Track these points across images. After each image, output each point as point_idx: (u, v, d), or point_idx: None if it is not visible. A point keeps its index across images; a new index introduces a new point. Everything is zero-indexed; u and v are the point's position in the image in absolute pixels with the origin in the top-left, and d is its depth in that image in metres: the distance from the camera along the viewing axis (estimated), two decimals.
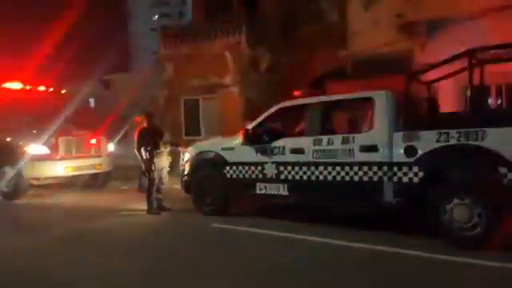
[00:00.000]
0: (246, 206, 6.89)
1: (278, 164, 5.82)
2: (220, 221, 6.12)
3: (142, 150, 6.85)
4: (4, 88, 9.72)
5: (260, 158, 6.03)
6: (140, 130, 7.08)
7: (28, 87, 10.01)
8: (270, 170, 5.90)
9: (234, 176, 6.29)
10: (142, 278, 4.03)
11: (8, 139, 8.98)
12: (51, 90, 10.50)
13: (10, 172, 8.76)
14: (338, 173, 5.26)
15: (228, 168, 6.34)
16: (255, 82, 14.20)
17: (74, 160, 9.17)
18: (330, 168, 5.33)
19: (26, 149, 8.65)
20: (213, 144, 6.85)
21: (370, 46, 11.69)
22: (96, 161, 9.62)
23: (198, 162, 6.77)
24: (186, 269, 4.24)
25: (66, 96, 10.78)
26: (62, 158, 8.95)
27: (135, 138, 7.01)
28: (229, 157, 6.35)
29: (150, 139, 6.90)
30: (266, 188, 5.98)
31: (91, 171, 9.56)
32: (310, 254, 4.58)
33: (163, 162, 7.15)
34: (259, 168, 6.02)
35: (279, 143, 5.86)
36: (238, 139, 6.34)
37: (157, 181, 6.95)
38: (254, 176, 6.09)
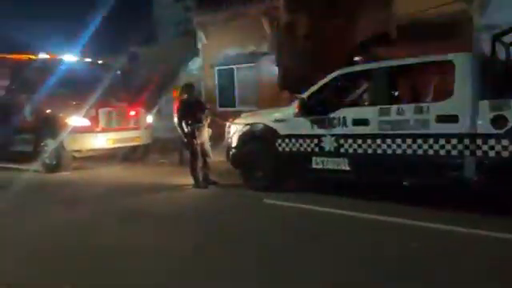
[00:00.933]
0: (294, 182, 6.48)
1: (337, 137, 5.36)
2: (271, 196, 5.78)
3: (183, 123, 6.52)
4: (40, 59, 9.55)
5: (317, 130, 5.58)
6: (180, 102, 6.72)
7: (64, 57, 9.78)
8: (329, 143, 5.45)
9: (287, 150, 5.88)
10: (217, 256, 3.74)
11: (48, 111, 8.84)
12: (88, 60, 10.26)
13: (51, 145, 8.68)
14: (409, 146, 4.75)
15: (280, 141, 5.93)
16: (293, 50, 13.53)
17: (115, 132, 8.98)
18: (399, 141, 4.83)
19: (66, 121, 8.50)
20: (263, 116, 6.43)
21: (418, 9, 10.79)
22: (136, 133, 9.41)
23: (247, 135, 6.38)
24: (257, 248, 3.93)
25: (103, 66, 10.52)
26: (102, 130, 8.78)
27: (175, 110, 6.67)
28: (281, 129, 5.93)
29: (192, 112, 6.54)
30: (323, 162, 5.55)
31: (131, 144, 9.37)
32: (426, 242, 3.84)
33: (205, 134, 6.80)
34: (316, 141, 5.58)
35: (339, 114, 5.37)
36: (291, 110, 5.88)
37: (200, 154, 6.64)
38: (309, 149, 5.66)
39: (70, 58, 9.91)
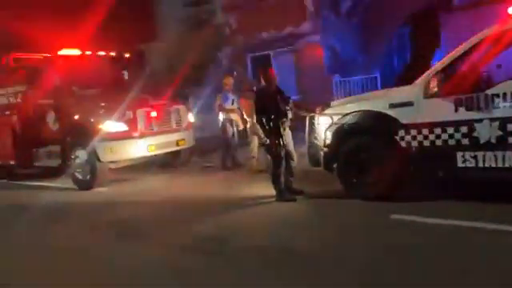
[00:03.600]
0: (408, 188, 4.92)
1: (503, 121, 3.80)
2: (392, 208, 4.27)
3: (264, 119, 4.98)
4: (61, 55, 8.07)
5: (464, 114, 4.02)
6: (257, 92, 5.19)
7: (88, 53, 8.29)
8: (487, 132, 3.90)
9: (415, 144, 4.34)
10: None
11: (76, 117, 7.38)
12: (113, 54, 8.74)
13: (83, 156, 7.24)
14: None
15: (403, 133, 4.39)
16: (336, 28, 11.92)
17: (157, 136, 7.48)
18: None
19: (100, 127, 7.02)
20: (370, 101, 4.88)
21: None
22: (179, 135, 7.90)
23: (348, 129, 4.84)
24: None
25: (130, 60, 9.01)
26: (142, 135, 7.28)
27: (243, 104, 5.15)
28: (403, 117, 4.38)
29: (274, 104, 5.00)
30: (476, 159, 4.00)
31: (175, 148, 7.87)
32: None
33: (289, 132, 5.26)
34: (464, 129, 4.03)
35: (504, 89, 3.80)
36: (417, 90, 4.33)
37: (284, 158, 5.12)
38: (452, 142, 4.12)
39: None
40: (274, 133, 4.95)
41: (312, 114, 5.35)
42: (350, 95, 11.25)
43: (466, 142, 4.03)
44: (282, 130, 5.00)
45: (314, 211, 4.82)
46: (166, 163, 8.51)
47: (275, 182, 5.13)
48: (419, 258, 3.22)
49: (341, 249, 3.60)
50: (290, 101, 5.14)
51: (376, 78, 10.56)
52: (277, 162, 5.04)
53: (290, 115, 5.09)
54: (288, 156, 5.17)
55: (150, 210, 5.59)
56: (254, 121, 5.04)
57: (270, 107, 4.95)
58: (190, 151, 8.41)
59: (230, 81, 7.79)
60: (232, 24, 12.97)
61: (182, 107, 8.16)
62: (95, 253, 4.10)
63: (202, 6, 13.83)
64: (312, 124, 5.50)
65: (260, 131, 5.01)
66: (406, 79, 10.47)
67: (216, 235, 4.23)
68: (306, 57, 11.63)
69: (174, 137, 7.82)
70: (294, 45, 11.81)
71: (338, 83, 11.12)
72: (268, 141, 4.95)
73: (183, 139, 7.97)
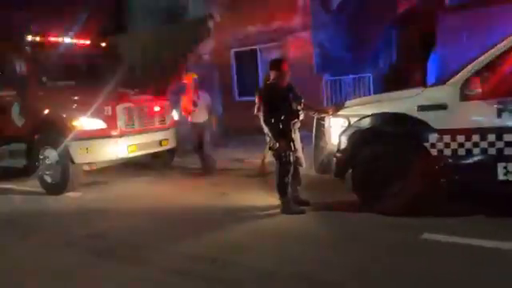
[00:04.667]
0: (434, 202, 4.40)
1: None
2: (421, 226, 3.76)
3: (273, 119, 4.33)
4: (28, 42, 7.10)
5: (509, 119, 3.54)
6: (265, 88, 4.53)
7: (59, 39, 7.35)
8: None
9: (448, 153, 3.82)
10: None
11: (46, 111, 6.47)
12: (87, 42, 7.82)
13: (53, 156, 6.36)
14: None
15: (434, 139, 3.87)
16: (325, 25, 11.41)
17: (138, 135, 6.69)
18: None
19: (74, 123, 6.17)
20: (393, 102, 4.32)
21: None
22: (162, 135, 7.14)
23: (366, 133, 4.28)
24: None
25: (107, 50, 8.13)
26: (122, 134, 6.47)
27: (257, 100, 4.51)
28: (435, 121, 3.85)
29: (286, 102, 4.37)
30: None
31: (158, 149, 7.09)
32: None
33: (298, 135, 4.64)
34: (508, 137, 3.55)
35: None
36: (450, 91, 3.82)
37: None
38: (493, 152, 3.63)
39: (61, 39, 7.41)
40: (285, 136, 4.31)
41: (322, 115, 4.76)
42: (341, 95, 10.80)
43: (509, 151, 3.55)
44: (292, 132, 4.37)
45: (328, 227, 4.21)
46: (145, 165, 7.76)
47: (282, 191, 4.50)
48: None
49: (368, 276, 3.02)
50: (303, 100, 4.50)
51: (368, 77, 10.12)
52: (286, 169, 4.41)
53: (301, 116, 4.46)
54: (296, 162, 4.55)
55: (132, 221, 4.82)
56: (262, 122, 4.37)
57: (280, 106, 4.30)
58: (172, 153, 7.66)
59: (190, 79, 7.11)
60: (216, 17, 12.21)
61: (165, 103, 7.39)
62: (76, 276, 3.36)
63: None
64: (320, 126, 4.92)
65: (270, 133, 4.34)
66: (393, 80, 10.23)
67: (213, 256, 3.56)
68: (295, 54, 11.03)
69: (157, 136, 7.06)
70: (282, 40, 11.19)
71: (327, 82, 10.62)
72: (278, 144, 4.30)
73: (167, 139, 7.23)
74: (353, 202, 4.49)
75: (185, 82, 7.23)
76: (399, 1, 11.73)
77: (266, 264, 3.34)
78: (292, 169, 4.47)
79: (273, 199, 4.90)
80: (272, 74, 4.49)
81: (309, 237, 3.93)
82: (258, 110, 4.36)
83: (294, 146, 4.37)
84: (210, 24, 12.34)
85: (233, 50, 12.32)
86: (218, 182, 6.52)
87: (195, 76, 7.19)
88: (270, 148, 4.42)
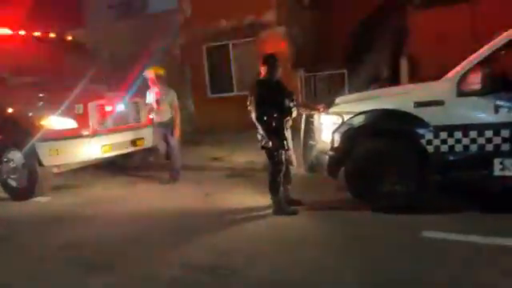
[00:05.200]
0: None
1: None
2: (414, 223, 3.72)
3: (265, 117, 4.13)
4: None
5: (506, 115, 3.53)
6: (257, 84, 4.31)
7: (21, 33, 6.80)
8: None
9: (444, 150, 3.79)
10: None
11: (9, 110, 5.95)
12: (52, 35, 7.28)
13: (18, 159, 5.87)
14: None
15: (431, 136, 3.82)
16: (300, 20, 11.32)
17: (112, 135, 6.29)
18: None
19: (42, 123, 5.69)
20: (388, 98, 4.24)
21: None
22: (137, 134, 6.75)
23: (361, 130, 4.17)
24: None
25: (73, 44, 7.62)
26: (95, 133, 6.06)
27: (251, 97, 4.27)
28: (432, 117, 3.80)
29: (278, 99, 4.18)
30: None
31: (133, 149, 6.71)
32: None
33: (290, 133, 4.45)
34: (506, 133, 3.55)
35: None
36: (446, 87, 3.78)
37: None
38: (490, 148, 3.62)
39: (23, 33, 6.91)
40: (277, 134, 4.13)
41: (312, 113, 4.61)
42: (315, 92, 10.76)
43: (506, 147, 3.55)
44: (285, 130, 4.20)
45: (325, 228, 4.06)
46: (119, 166, 7.37)
47: (274, 191, 4.32)
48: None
49: (380, 279, 2.91)
50: (294, 96, 4.33)
51: (344, 73, 10.12)
52: (278, 168, 4.23)
53: (294, 113, 4.29)
54: (287, 161, 4.38)
55: (112, 228, 4.48)
56: (254, 120, 4.15)
57: (273, 102, 4.11)
58: (148, 153, 7.29)
59: (152, 74, 6.31)
60: (186, 10, 11.82)
61: (140, 100, 6.99)
62: None
63: None
64: (309, 123, 4.79)
65: (263, 131, 4.14)
66: (368, 77, 10.29)
67: (207, 263, 3.33)
68: (269, 49, 10.84)
69: (132, 135, 6.68)
70: (256, 35, 10.98)
71: (302, 78, 10.54)
72: (270, 143, 4.11)
73: (142, 138, 6.85)
74: (344, 201, 4.39)
75: (147, 76, 6.42)
76: None
77: (263, 271, 3.15)
78: (284, 168, 4.30)
79: (261, 199, 4.74)
80: (263, 70, 4.29)
81: (308, 240, 3.75)
82: (251, 103, 4.15)
83: (287, 144, 4.19)
84: (179, 18, 11.95)
85: (204, 46, 11.99)
86: (198, 181, 6.25)
87: (160, 71, 6.45)
88: (262, 147, 4.21)
